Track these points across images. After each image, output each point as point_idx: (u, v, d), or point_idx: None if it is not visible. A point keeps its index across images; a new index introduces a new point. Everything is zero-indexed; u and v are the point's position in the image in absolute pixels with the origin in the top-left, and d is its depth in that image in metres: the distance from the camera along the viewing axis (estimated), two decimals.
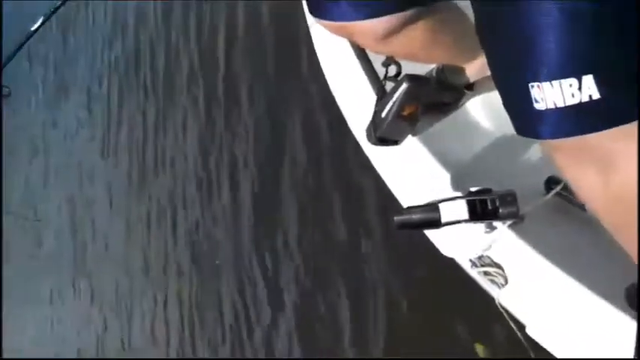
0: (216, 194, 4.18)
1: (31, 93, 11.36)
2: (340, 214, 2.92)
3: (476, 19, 1.12)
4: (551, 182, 1.39)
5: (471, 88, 1.55)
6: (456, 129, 1.53)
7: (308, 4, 1.37)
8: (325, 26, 1.35)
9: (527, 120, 1.02)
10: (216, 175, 4.19)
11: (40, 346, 9.30)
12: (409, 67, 1.48)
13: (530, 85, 0.98)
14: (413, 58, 1.46)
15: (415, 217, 1.32)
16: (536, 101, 0.98)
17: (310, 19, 1.60)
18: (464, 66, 1.52)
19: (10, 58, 1.79)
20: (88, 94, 7.86)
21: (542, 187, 1.40)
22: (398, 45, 1.33)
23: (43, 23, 1.66)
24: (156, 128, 5.41)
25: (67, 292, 8.25)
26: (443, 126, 1.53)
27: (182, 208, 4.75)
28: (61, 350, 8.14)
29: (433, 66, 1.56)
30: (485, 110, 1.54)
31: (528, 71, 0.99)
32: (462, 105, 1.57)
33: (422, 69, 1.54)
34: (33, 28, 1.65)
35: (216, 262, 4.12)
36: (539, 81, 0.97)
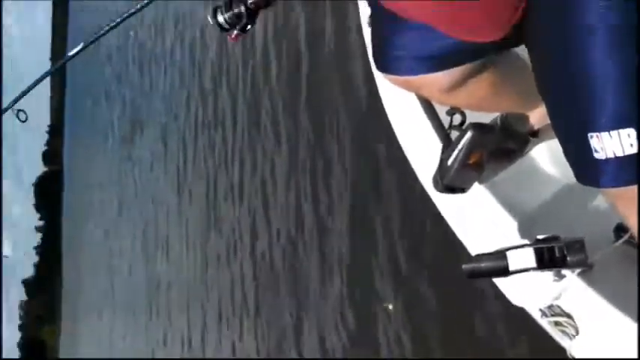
0: (300, 224, 4.14)
1: (107, 129, 11.75)
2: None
3: (534, 70, 1.15)
4: (620, 229, 1.38)
5: (535, 134, 1.56)
6: (522, 176, 1.55)
7: (374, 60, 1.41)
8: (391, 80, 1.39)
9: (588, 169, 1.05)
10: (299, 205, 4.13)
11: None
12: (474, 116, 1.51)
13: (589, 135, 1.02)
14: (477, 108, 1.49)
15: (483, 265, 1.33)
16: (596, 151, 1.01)
17: (376, 71, 1.64)
18: (527, 113, 1.54)
19: (39, 81, 1.81)
20: (164, 129, 8.04)
21: (611, 234, 1.39)
22: (462, 96, 1.37)
23: (82, 49, 1.67)
24: (232, 161, 5.48)
25: (140, 330, 8.36)
26: (509, 173, 1.54)
27: (263, 240, 4.72)
28: None
29: (497, 113, 1.59)
30: (550, 157, 1.55)
31: (587, 122, 1.02)
32: (528, 152, 1.58)
33: (486, 117, 1.57)
34: (71, 53, 1.68)
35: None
36: (598, 131, 1.00)
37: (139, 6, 1.41)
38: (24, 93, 1.78)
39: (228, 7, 1.25)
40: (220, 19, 1.29)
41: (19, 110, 1.77)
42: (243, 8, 1.24)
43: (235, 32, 1.29)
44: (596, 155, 1.01)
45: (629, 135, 0.98)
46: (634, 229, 1.13)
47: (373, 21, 1.39)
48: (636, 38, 0.97)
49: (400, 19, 1.21)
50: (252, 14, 1.26)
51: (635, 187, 1.02)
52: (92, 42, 1.61)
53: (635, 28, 0.97)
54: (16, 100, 1.72)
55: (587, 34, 0.99)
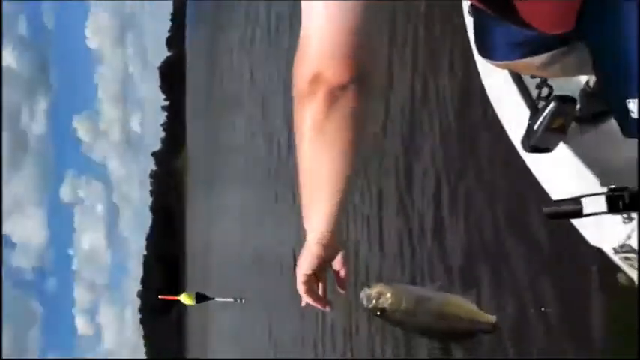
0: None
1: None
2: None
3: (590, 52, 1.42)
4: None
5: None
6: (600, 137, 1.78)
7: (476, 47, 1.70)
8: (491, 63, 1.68)
9: (628, 125, 1.32)
10: None
11: None
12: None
13: (627, 100, 1.28)
14: (563, 76, 1.77)
15: (561, 208, 1.60)
16: (632, 112, 1.28)
17: (476, 57, 1.94)
18: None
19: None
20: None
21: None
22: (551, 72, 1.67)
23: None
24: None
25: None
26: (590, 135, 1.78)
27: None
28: None
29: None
30: None
31: (626, 91, 1.28)
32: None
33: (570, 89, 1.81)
34: None
35: None
36: (633, 97, 1.27)
37: None
38: None
39: None
40: None
41: None
42: None
43: None
44: (632, 115, 1.27)
45: None
46: None
47: (474, 14, 1.67)
48: None
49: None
50: None
51: None
52: None
53: None
54: None
55: (629, 25, 1.23)
